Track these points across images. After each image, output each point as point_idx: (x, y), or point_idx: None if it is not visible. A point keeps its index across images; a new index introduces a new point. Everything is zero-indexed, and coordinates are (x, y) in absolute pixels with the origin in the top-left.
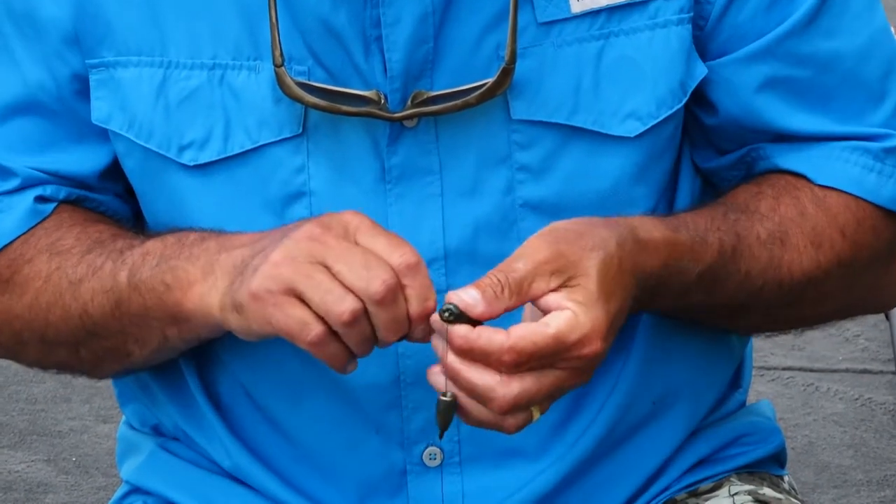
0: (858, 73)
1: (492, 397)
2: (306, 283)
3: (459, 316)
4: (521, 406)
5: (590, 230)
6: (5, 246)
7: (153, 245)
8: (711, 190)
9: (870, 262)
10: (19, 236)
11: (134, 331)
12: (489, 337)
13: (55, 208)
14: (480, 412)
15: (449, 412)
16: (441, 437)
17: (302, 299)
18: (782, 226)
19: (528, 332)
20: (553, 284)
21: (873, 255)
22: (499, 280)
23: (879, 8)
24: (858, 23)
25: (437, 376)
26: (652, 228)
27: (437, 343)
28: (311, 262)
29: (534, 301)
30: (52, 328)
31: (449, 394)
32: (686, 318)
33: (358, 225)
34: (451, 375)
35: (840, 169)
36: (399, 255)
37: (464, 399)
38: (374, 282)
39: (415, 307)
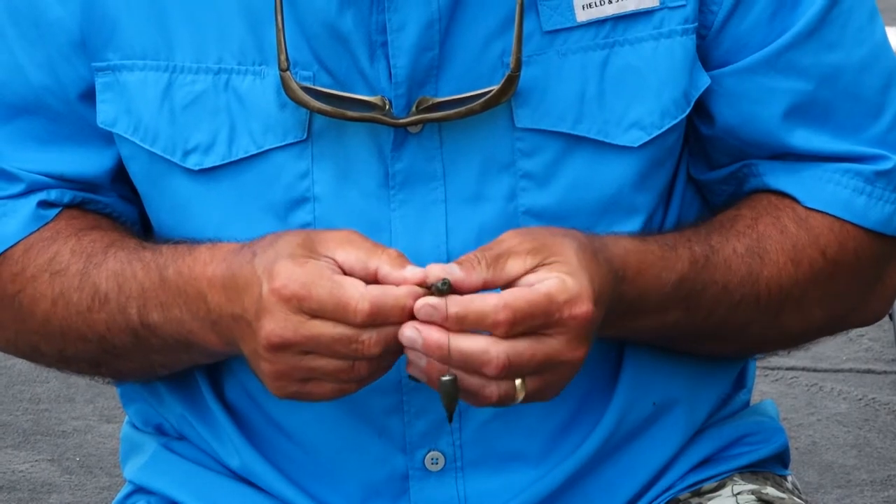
0: (858, 86)
1: (485, 360)
2: (311, 371)
3: (447, 291)
4: (512, 371)
5: (558, 228)
6: (6, 250)
7: (144, 278)
8: (702, 203)
9: (851, 283)
10: (20, 241)
11: (159, 358)
12: (482, 298)
13: (56, 215)
14: (466, 378)
15: (453, 392)
16: (450, 420)
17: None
18: (761, 242)
19: (519, 292)
20: (529, 264)
21: (855, 277)
22: (475, 255)
23: (879, 21)
24: (860, 35)
25: (416, 367)
26: (618, 239)
27: (410, 333)
28: (300, 358)
29: (512, 284)
30: (71, 348)
31: (450, 373)
32: (672, 346)
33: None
34: (441, 350)
35: (830, 192)
36: (354, 312)
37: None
38: (363, 345)
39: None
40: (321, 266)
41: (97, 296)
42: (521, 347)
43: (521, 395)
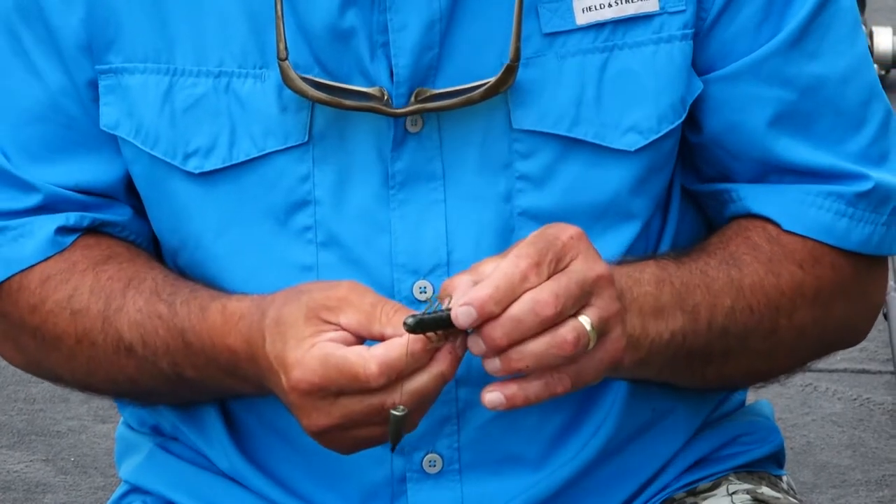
0: (839, 98)
1: (536, 303)
2: (359, 438)
3: (420, 323)
4: (565, 303)
5: None
6: (23, 275)
7: (167, 336)
8: (697, 213)
9: (835, 295)
10: (36, 268)
11: (196, 397)
12: (499, 269)
13: (72, 242)
14: (538, 347)
15: (401, 426)
16: (393, 450)
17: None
18: (735, 256)
19: (518, 244)
20: (497, 259)
21: (838, 289)
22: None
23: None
24: (841, 47)
25: (491, 394)
26: None
27: (475, 346)
28: (344, 433)
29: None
30: (98, 383)
31: (400, 408)
32: (691, 376)
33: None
34: (495, 332)
35: (812, 216)
36: (366, 378)
37: (520, 356)
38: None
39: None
40: (325, 345)
41: (122, 343)
42: (556, 279)
43: (593, 337)
